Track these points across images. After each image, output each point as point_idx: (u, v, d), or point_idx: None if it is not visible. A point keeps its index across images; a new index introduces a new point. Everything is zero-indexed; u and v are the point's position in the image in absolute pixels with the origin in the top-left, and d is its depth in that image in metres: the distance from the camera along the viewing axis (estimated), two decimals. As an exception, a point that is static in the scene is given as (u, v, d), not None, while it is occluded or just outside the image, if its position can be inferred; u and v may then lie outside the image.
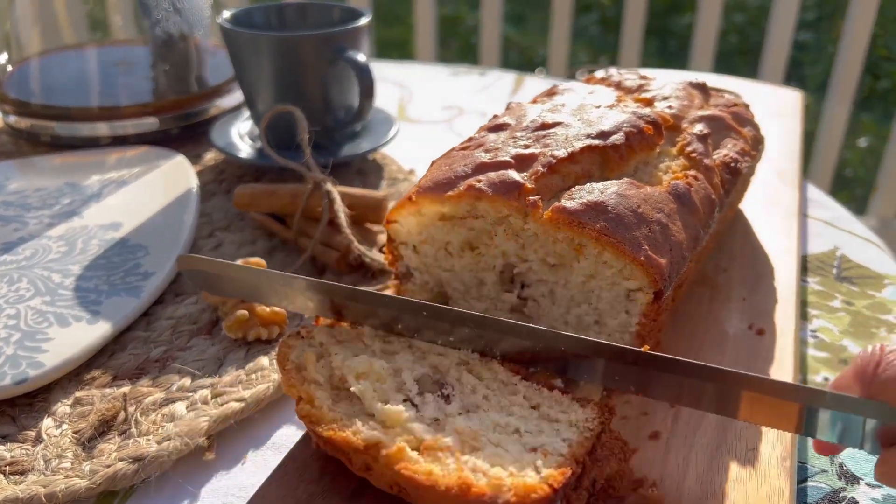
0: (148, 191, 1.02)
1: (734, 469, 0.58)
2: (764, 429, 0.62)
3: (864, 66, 2.32)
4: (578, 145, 0.69)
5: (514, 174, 0.67)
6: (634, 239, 0.62)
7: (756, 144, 0.85)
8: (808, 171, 2.48)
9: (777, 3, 2.36)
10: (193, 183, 1.02)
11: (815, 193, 1.11)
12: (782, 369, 0.69)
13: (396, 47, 4.28)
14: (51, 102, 1.19)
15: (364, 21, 1.06)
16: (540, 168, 0.67)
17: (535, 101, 0.84)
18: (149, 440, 0.64)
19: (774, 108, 1.27)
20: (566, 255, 0.65)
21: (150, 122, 1.19)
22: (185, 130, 1.23)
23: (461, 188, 0.67)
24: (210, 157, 1.20)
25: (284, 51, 1.02)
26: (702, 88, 0.89)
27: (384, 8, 4.23)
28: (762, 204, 0.99)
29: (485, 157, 0.70)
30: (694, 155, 0.75)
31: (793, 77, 3.20)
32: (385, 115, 1.21)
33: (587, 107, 0.78)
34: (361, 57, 1.03)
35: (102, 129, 1.19)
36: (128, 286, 0.83)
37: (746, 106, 0.91)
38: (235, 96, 1.28)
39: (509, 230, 0.67)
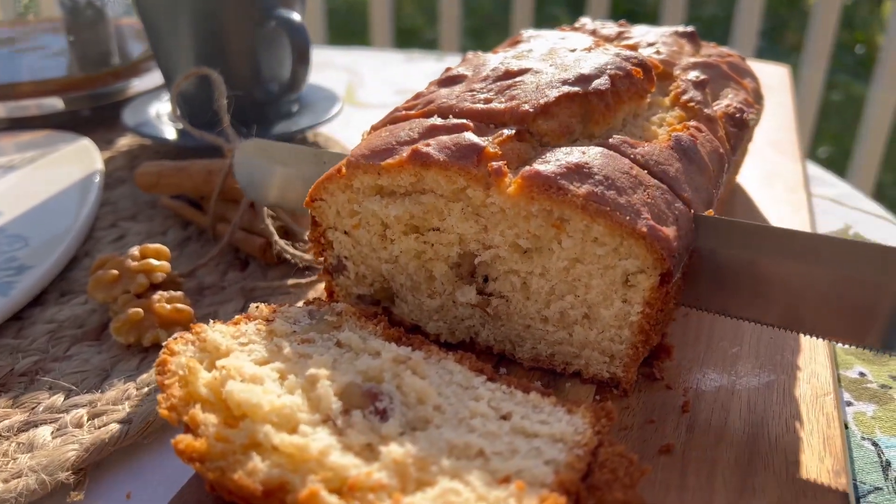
0: (41, 177, 0.86)
1: (774, 489, 0.44)
2: (805, 436, 0.48)
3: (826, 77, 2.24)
4: (553, 94, 0.55)
5: (472, 136, 0.52)
6: (631, 206, 0.47)
7: (758, 98, 0.72)
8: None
9: (739, 13, 2.27)
10: (97, 168, 0.86)
11: (816, 170, 0.98)
12: (817, 360, 0.55)
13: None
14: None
15: (298, -23, 0.92)
16: (506, 131, 0.53)
17: (495, 52, 0.70)
18: (-8, 478, 0.48)
19: (763, 82, 1.15)
20: (543, 236, 0.50)
21: (53, 103, 1.03)
22: (97, 113, 1.07)
23: (403, 155, 0.52)
24: (124, 141, 1.03)
25: (204, 10, 0.87)
26: (691, 38, 0.76)
27: (339, 22, 4.08)
28: (760, 178, 0.86)
29: (435, 119, 0.55)
30: (692, 104, 0.61)
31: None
32: (328, 92, 1.06)
33: (560, 51, 0.64)
34: (295, 16, 0.89)
35: (-1, 110, 1.02)
36: (-5, 283, 0.66)
37: (742, 57, 0.78)
38: (156, 76, 1.12)
39: (467, 207, 0.52)
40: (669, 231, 0.47)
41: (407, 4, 4.48)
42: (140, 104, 1.02)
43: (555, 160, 0.50)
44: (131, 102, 1.03)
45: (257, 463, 0.38)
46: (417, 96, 0.61)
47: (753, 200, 0.80)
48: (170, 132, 0.93)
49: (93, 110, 1.08)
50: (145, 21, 0.91)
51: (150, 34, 0.92)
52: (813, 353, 0.56)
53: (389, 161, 0.52)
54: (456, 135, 0.53)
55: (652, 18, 3.78)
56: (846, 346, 0.52)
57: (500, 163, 0.50)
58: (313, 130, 1.00)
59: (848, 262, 0.46)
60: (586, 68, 0.59)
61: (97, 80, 1.06)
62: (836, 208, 0.87)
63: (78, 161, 0.89)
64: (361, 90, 1.29)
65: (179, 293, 0.64)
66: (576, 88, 0.56)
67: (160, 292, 0.63)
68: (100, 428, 0.52)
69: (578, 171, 0.49)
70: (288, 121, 0.97)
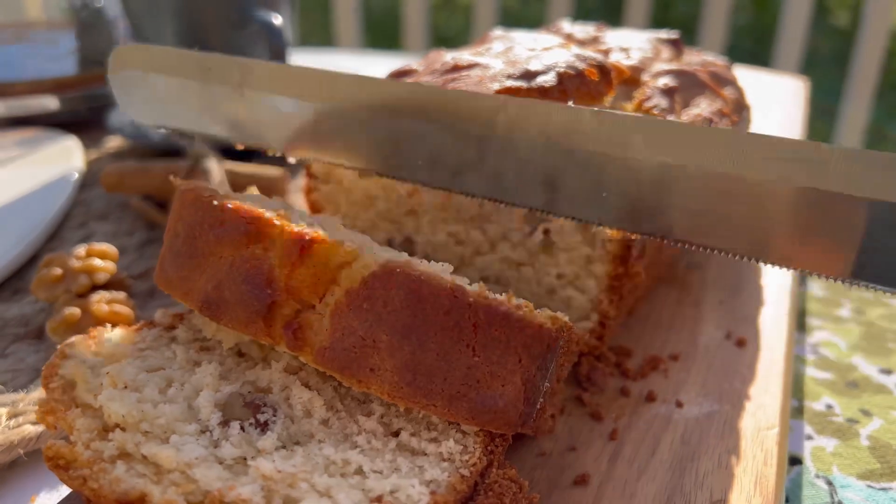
0: (18, 175, 0.86)
1: (691, 531, 0.40)
2: (737, 472, 0.44)
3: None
4: (493, 87, 0.52)
5: (263, 271, 0.40)
6: (449, 383, 0.37)
7: (738, 109, 0.68)
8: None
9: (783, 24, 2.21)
10: (75, 168, 0.86)
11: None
12: (768, 391, 0.51)
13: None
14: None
15: (283, -21, 0.91)
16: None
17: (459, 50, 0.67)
18: None
19: (775, 94, 1.10)
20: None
21: (49, 102, 1.04)
22: (97, 113, 1.08)
23: (198, 290, 0.42)
24: (113, 142, 1.03)
25: (186, 10, 0.86)
26: (673, 44, 0.72)
27: (376, 26, 4.09)
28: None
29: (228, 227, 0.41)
30: (655, 111, 0.58)
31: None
32: (318, 96, 1.05)
33: (517, 48, 0.61)
34: (276, 18, 0.87)
35: (-5, 108, 1.03)
36: (-55, 279, 0.66)
37: (728, 66, 0.74)
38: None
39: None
40: (505, 397, 0.37)
41: (445, 11, 4.46)
42: (131, 105, 1.02)
43: (346, 328, 0.38)
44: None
45: (120, 473, 0.36)
46: None
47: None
48: (150, 134, 0.92)
49: (91, 110, 1.08)
50: (131, 21, 0.91)
51: (135, 34, 0.92)
52: (766, 383, 0.52)
53: (187, 303, 0.44)
54: (247, 271, 0.40)
55: (691, 22, 3.69)
56: (816, 277, 0.44)
57: (295, 323, 0.39)
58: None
59: (811, 175, 0.38)
60: (535, 65, 0.56)
61: (91, 79, 1.06)
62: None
63: (59, 160, 0.89)
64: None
65: (122, 294, 0.63)
66: (518, 83, 0.53)
67: (102, 293, 0.62)
68: (13, 429, 0.51)
69: (378, 338, 0.37)
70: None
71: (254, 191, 0.48)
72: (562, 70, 0.55)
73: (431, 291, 0.35)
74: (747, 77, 1.15)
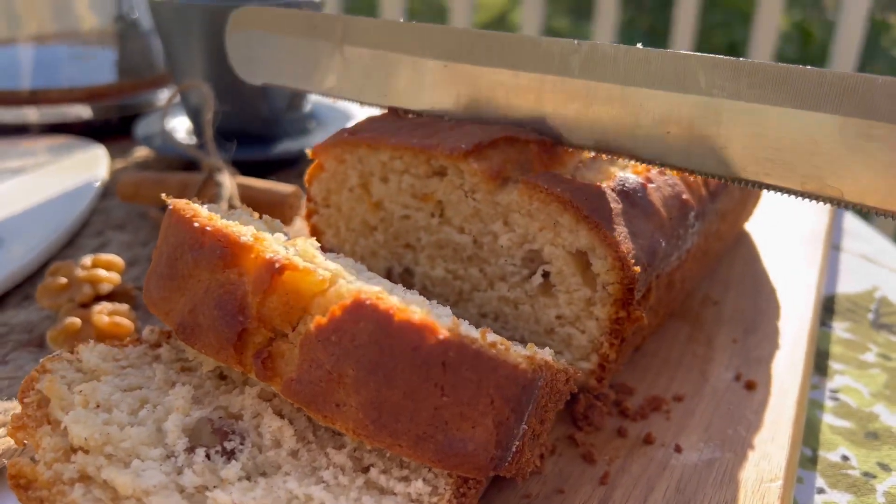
0: (42, 182, 0.87)
1: (676, 590, 0.38)
2: (733, 528, 0.41)
3: None
4: (492, 135, 0.51)
5: (235, 298, 0.38)
6: (420, 429, 0.35)
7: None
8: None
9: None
10: (99, 176, 0.87)
11: (853, 223, 0.89)
12: (775, 440, 0.48)
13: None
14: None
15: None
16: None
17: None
18: None
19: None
20: None
21: (81, 110, 1.06)
22: (127, 122, 1.09)
23: (177, 313, 0.41)
24: (141, 152, 1.05)
25: (213, 24, 0.87)
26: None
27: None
28: (777, 228, 0.78)
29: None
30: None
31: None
32: (342, 112, 1.05)
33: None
34: (300, 35, 0.87)
35: (31, 115, 1.05)
36: (-45, 283, 0.66)
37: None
38: (185, 89, 1.13)
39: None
40: (475, 440, 0.35)
41: (494, 28, 4.49)
42: (160, 116, 1.03)
43: (313, 360, 0.36)
44: (154, 114, 1.04)
45: (77, 496, 0.35)
46: (370, 120, 0.59)
47: (759, 252, 0.73)
48: (176, 146, 0.93)
49: (123, 120, 1.10)
50: (160, 33, 0.92)
51: (165, 49, 0.93)
52: (773, 431, 0.49)
53: (167, 324, 0.43)
54: (220, 297, 0.39)
55: (737, 50, 3.62)
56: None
57: (265, 352, 0.38)
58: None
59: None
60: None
61: (125, 89, 1.08)
62: (866, 266, 0.79)
63: (84, 168, 0.90)
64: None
65: (125, 306, 0.63)
66: (520, 133, 0.52)
67: (104, 303, 0.62)
68: (2, 437, 0.51)
69: (344, 372, 0.35)
70: (299, 138, 0.96)
71: (244, 209, 0.47)
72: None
73: (400, 326, 0.34)
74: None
